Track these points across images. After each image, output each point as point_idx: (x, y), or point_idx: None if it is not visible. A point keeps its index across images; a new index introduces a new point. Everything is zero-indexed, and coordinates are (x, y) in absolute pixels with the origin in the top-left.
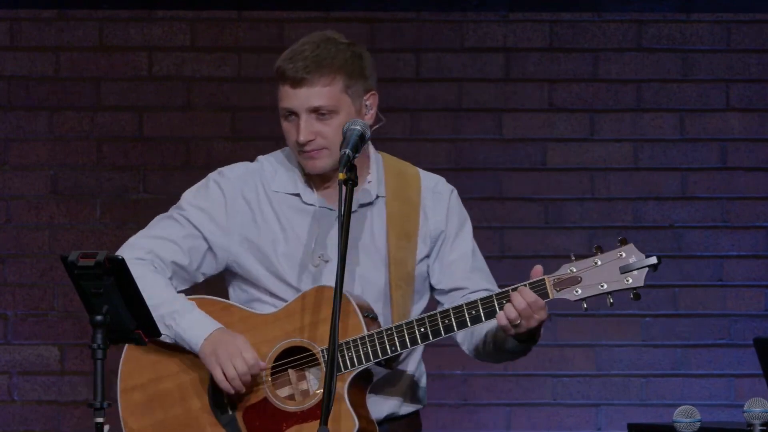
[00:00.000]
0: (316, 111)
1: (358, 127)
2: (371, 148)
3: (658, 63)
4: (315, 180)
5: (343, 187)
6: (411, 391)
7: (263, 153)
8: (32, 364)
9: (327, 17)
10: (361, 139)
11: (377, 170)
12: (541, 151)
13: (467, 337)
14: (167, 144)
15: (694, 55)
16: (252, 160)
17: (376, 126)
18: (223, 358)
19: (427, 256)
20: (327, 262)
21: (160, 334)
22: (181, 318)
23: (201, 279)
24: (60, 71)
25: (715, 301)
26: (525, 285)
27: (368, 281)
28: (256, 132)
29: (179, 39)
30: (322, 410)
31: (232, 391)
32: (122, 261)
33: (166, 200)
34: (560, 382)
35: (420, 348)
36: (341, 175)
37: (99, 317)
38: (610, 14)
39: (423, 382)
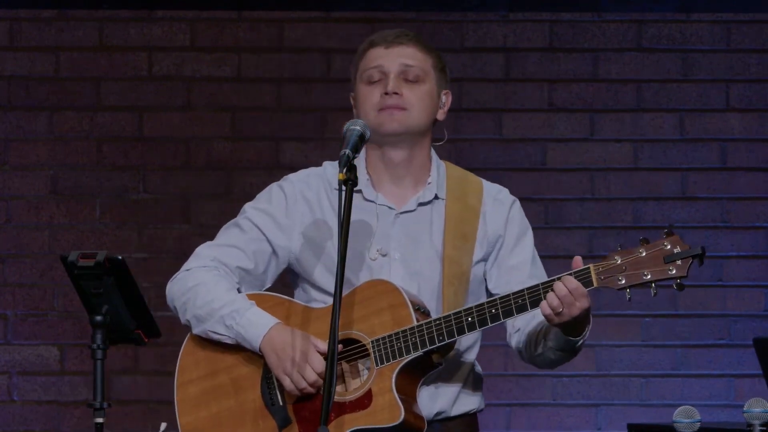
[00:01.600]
0: (405, 72)
1: (358, 128)
2: (434, 153)
3: (658, 63)
4: (377, 178)
5: (343, 188)
6: (464, 391)
7: (263, 153)
8: (32, 364)
9: (327, 17)
10: (361, 140)
11: (438, 174)
12: (541, 151)
13: (521, 339)
14: (167, 144)
15: (694, 55)
16: (252, 159)
17: (439, 143)
18: (291, 370)
19: (484, 260)
20: (385, 255)
21: (160, 334)
22: (241, 317)
23: (269, 282)
24: (60, 71)
25: (715, 301)
26: (570, 274)
27: (423, 277)
28: (256, 132)
29: (179, 39)
30: (322, 410)
31: (299, 395)
32: (122, 261)
33: (166, 200)
34: (560, 382)
35: (475, 349)
36: (341, 176)
37: (99, 317)
38: (610, 14)
39: (478, 383)
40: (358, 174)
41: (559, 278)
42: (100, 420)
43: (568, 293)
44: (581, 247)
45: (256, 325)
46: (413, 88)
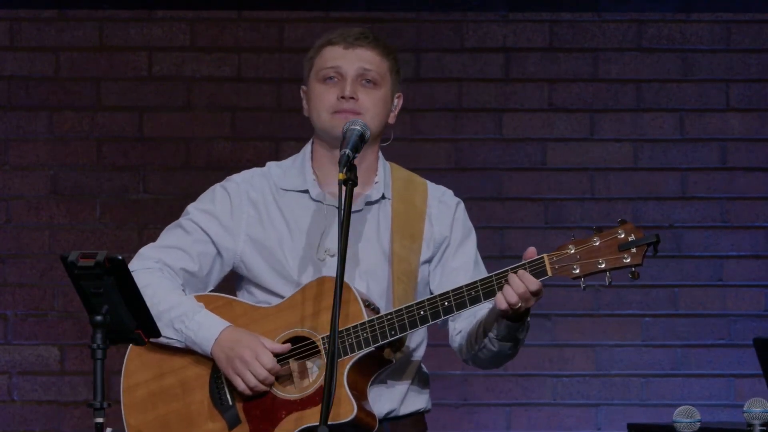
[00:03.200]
0: (362, 75)
1: (358, 128)
2: (380, 154)
3: (658, 63)
4: (324, 177)
5: (343, 187)
6: (412, 390)
7: (263, 153)
8: (32, 364)
9: (327, 17)
10: (361, 139)
11: (384, 174)
12: (541, 151)
13: (463, 338)
14: (167, 144)
15: (694, 55)
16: (252, 159)
17: (385, 143)
18: (240, 368)
19: (429, 261)
20: (333, 256)
21: (159, 335)
22: (190, 321)
23: (212, 285)
24: (60, 71)
25: (715, 301)
26: (524, 264)
27: (373, 276)
28: (256, 132)
29: (179, 39)
30: (322, 410)
31: (250, 393)
32: (122, 261)
33: (166, 200)
34: (560, 382)
35: (422, 348)
36: (341, 176)
37: (99, 317)
38: (610, 14)
39: (425, 383)
40: (304, 174)
41: (513, 270)
42: (100, 420)
43: (527, 290)
44: None
45: (207, 327)
46: (369, 93)
